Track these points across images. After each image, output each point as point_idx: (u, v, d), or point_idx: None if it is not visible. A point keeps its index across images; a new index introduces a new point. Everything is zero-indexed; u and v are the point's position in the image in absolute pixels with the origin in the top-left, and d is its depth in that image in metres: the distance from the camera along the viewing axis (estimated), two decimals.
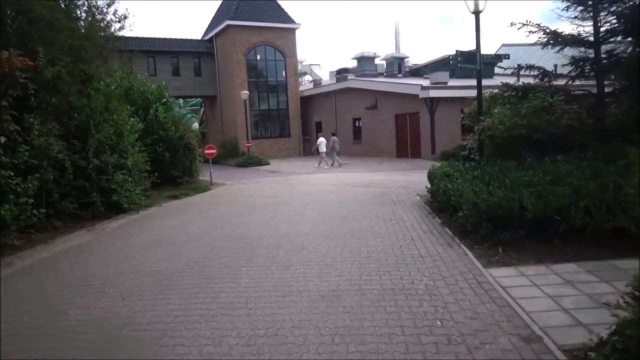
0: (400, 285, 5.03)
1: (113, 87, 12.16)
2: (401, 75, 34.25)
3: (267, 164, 27.37)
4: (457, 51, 9.31)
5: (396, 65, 35.24)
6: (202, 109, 42.87)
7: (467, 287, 4.91)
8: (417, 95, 23.86)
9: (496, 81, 16.36)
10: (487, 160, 9.64)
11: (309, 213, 9.70)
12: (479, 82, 9.90)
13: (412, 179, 15.44)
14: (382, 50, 54.22)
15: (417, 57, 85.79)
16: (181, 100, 53.74)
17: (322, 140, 24.39)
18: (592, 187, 6.35)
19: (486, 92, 11.29)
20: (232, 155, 30.54)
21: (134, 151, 12.19)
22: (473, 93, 23.40)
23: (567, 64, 9.68)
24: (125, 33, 13.14)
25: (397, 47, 38.73)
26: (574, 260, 5.58)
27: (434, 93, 23.55)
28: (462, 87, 24.82)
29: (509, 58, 10.66)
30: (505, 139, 9.43)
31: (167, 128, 15.09)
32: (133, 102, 15.24)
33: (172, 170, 15.25)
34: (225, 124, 34.72)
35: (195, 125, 44.55)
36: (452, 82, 25.77)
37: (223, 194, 13.80)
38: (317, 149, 24.09)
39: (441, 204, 8.86)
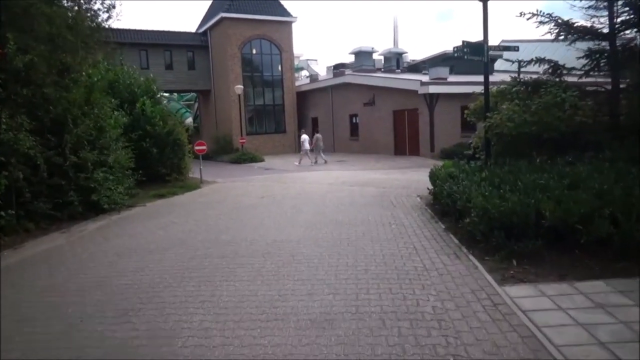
0: (403, 308, 4.33)
1: (95, 79, 11.37)
2: (399, 70, 33.56)
3: (262, 160, 26.63)
4: (463, 42, 8.61)
5: (394, 60, 34.54)
6: (197, 104, 42.04)
7: (481, 311, 4.22)
8: (416, 91, 23.16)
9: (496, 78, 15.83)
10: (495, 160, 8.95)
11: (302, 216, 9.00)
12: (486, 76, 9.21)
13: (411, 178, 14.76)
14: (380, 46, 53.59)
15: (415, 53, 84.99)
16: (175, 94, 53.29)
17: (305, 137, 23.79)
18: (617, 192, 5.67)
19: (492, 88, 10.61)
20: (226, 152, 29.79)
21: (116, 147, 11.44)
22: (474, 89, 22.88)
23: (582, 57, 8.97)
24: (114, 24, 12.43)
25: (396, 42, 37.98)
26: (601, 276, 4.90)
27: (433, 89, 22.84)
28: (463, 84, 24.15)
29: (517, 49, 9.95)
30: (513, 137, 8.74)
31: (155, 123, 14.33)
32: (119, 95, 14.49)
33: (159, 167, 14.51)
34: (220, 119, 33.93)
35: (190, 120, 43.97)
36: (452, 78, 25.10)
37: (212, 193, 13.07)
38: (300, 146, 23.69)
39: (444, 207, 8.19)
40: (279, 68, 33.15)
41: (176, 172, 15.03)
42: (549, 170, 7.24)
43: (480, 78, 9.64)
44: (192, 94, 42.53)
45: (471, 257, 5.84)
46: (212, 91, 34.36)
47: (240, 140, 27.79)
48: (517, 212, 5.66)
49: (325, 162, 22.49)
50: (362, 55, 34.42)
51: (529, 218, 5.65)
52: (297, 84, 35.40)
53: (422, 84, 23.01)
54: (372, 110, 27.38)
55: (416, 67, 33.91)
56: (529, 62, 9.63)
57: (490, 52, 9.25)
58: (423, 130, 23.82)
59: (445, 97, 23.31)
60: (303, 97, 34.52)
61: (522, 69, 10.80)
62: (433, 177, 9.55)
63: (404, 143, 25.33)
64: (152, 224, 8.96)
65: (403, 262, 5.74)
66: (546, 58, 9.55)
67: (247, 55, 32.22)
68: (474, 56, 8.89)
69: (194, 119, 41.92)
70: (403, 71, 33.48)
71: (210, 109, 35.63)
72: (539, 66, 9.82)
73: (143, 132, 14.18)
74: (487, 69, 9.21)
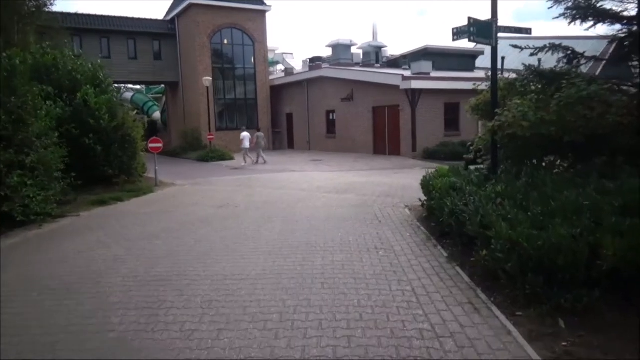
0: None
1: (18, 62, 9.29)
2: (379, 65, 31.92)
3: (231, 158, 24.62)
4: (470, 19, 6.94)
5: (374, 54, 32.92)
6: (164, 97, 39.62)
7: None
8: (398, 87, 21.55)
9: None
10: (505, 168, 7.31)
11: (265, 235, 7.18)
12: (494, 62, 7.56)
13: (395, 182, 13.10)
14: (358, 39, 51.34)
15: (395, 48, 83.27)
16: (144, 87, 50.58)
17: (245, 135, 22.23)
18: None
19: (480, 86, 9.02)
20: (194, 148, 27.67)
21: (43, 144, 9.39)
22: (460, 86, 21.48)
23: (611, 41, 7.40)
24: (69, 7, 10.37)
25: (375, 36, 36.32)
26: None
27: (416, 84, 21.25)
28: (448, 79, 22.71)
29: (530, 33, 8.35)
30: (526, 139, 7.10)
31: (99, 116, 12.24)
32: (57, 82, 12.37)
33: (105, 167, 12.44)
34: (188, 114, 31.70)
35: (157, 114, 41.47)
36: (435, 74, 23.59)
37: (163, 200, 11.10)
38: (240, 145, 22.27)
39: (443, 225, 6.51)
40: (252, 60, 31.11)
41: (126, 173, 12.97)
42: (581, 184, 5.61)
43: (466, 74, 8.07)
44: (162, 86, 40.10)
45: (495, 309, 4.14)
46: (180, 83, 32.10)
47: (209, 137, 25.69)
48: (564, 249, 3.98)
49: (265, 162, 21.06)
50: (340, 49, 32.68)
51: (579, 258, 3.97)
52: (271, 78, 33.42)
53: (404, 78, 21.42)
54: (350, 106, 25.68)
55: (396, 62, 32.27)
56: (542, 48, 8.00)
57: (500, 35, 7.61)
58: (404, 129, 22.25)
59: (429, 93, 21.79)
60: (277, 91, 32.58)
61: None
62: (427, 186, 7.86)
63: (384, 142, 23.72)
64: (73, 245, 6.99)
65: (402, 321, 3.98)
66: (562, 44, 7.95)
67: (217, 45, 30.09)
68: (481, 38, 7.21)
69: (162, 113, 39.51)
70: (382, 66, 31.83)
71: (178, 102, 33.34)
72: (552, 54, 8.23)
73: (85, 127, 12.12)
74: (495, 54, 7.56)
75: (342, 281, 4.97)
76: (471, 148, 8.98)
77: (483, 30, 7.10)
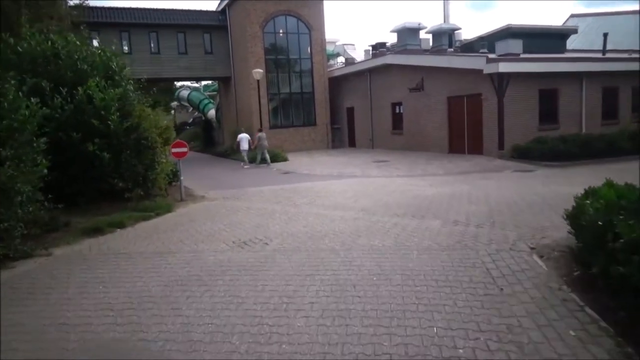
0: None
1: None
2: (452, 50, 27.79)
3: (285, 159, 21.84)
4: None
5: (446, 38, 28.71)
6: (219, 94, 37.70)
7: None
8: (481, 71, 17.64)
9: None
10: None
11: (297, 325, 4.01)
12: None
13: (491, 194, 9.55)
14: (427, 23, 45.61)
15: (468, 32, 76.12)
16: (202, 84, 49.24)
17: (243, 136, 21.11)
18: None
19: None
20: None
21: (13, 154, 6.82)
22: (558, 67, 17.30)
23: None
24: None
25: (446, 18, 32.18)
26: None
27: (504, 67, 17.21)
28: (545, 60, 18.55)
29: None
30: None
31: (106, 115, 9.69)
32: (56, 74, 9.97)
33: (115, 179, 9.88)
34: (240, 111, 29.32)
35: (212, 112, 39.69)
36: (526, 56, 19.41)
37: (174, 228, 8.14)
38: (237, 146, 21.14)
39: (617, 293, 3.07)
40: (308, 50, 28.13)
41: (141, 187, 10.35)
42: None
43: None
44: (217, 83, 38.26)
45: None
46: (232, 78, 29.77)
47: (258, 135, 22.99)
48: None
49: (268, 165, 19.86)
50: (406, 33, 28.73)
51: None
52: (329, 69, 30.28)
53: (489, 60, 17.46)
54: (420, 97, 22.00)
55: (471, 47, 27.86)
56: None
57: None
58: (488, 122, 18.31)
59: (520, 78, 17.72)
60: (337, 83, 29.40)
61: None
62: (578, 215, 4.38)
63: (462, 138, 19.87)
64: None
65: None
66: None
67: (270, 35, 27.39)
68: None
69: (216, 111, 37.63)
70: (456, 51, 27.69)
71: (230, 99, 31.08)
72: None
73: (89, 129, 9.62)
74: None
75: None
76: None
77: None
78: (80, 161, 9.66)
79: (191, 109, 46.25)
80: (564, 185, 10.61)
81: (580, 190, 5.19)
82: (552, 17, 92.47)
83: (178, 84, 46.29)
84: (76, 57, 10.42)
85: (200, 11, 29.81)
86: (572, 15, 39.03)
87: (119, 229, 8.10)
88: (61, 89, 9.66)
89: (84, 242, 7.39)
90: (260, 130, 21.62)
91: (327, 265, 5.42)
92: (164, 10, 28.35)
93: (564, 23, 37.12)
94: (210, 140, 38.58)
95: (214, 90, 42.63)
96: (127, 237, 7.61)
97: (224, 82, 32.24)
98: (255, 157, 20.80)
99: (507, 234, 6.34)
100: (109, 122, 9.74)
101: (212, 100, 41.10)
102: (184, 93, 45.10)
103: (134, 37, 27.47)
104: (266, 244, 6.56)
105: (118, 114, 9.96)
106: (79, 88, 9.70)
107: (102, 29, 26.17)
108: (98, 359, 3.50)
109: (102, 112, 9.72)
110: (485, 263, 5.16)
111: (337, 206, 9.23)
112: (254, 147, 20.66)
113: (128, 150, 10.07)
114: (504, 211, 7.88)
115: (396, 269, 5.14)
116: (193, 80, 38.92)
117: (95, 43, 15.08)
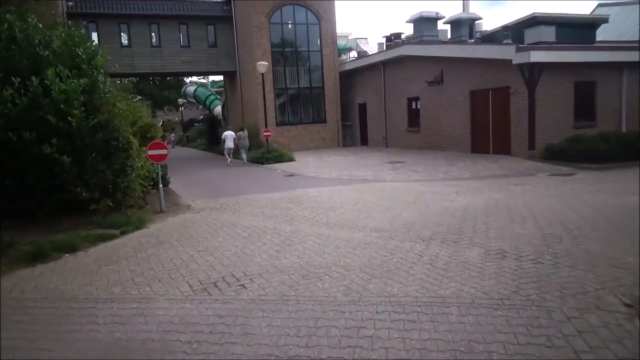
0: None
1: None
2: (472, 41, 25.71)
3: (291, 159, 20.10)
4: None
5: (466, 28, 26.60)
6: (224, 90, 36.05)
7: None
8: (509, 62, 15.65)
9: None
10: None
11: None
12: None
13: (533, 205, 7.66)
14: (446, 12, 42.69)
15: (488, 22, 72.93)
16: (211, 80, 47.66)
17: (228, 133, 21.22)
18: None
19: None
20: (251, 147, 23.47)
21: None
22: (596, 57, 15.18)
23: None
24: None
25: (466, 7, 30.05)
26: None
27: (536, 56, 15.21)
28: (582, 48, 16.51)
29: None
30: None
31: (68, 111, 8.01)
32: (8, 62, 8.31)
33: (78, 188, 8.19)
34: (246, 107, 27.63)
35: (218, 109, 38.05)
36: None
37: (132, 256, 6.28)
38: (223, 144, 21.27)
39: None
40: (318, 42, 26.28)
41: (111, 196, 8.64)
42: None
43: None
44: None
45: None
46: (238, 73, 28.06)
47: (265, 133, 21.32)
48: None
49: (245, 163, 19.93)
50: (423, 23, 26.63)
51: None
52: (340, 63, 28.41)
53: (519, 49, 15.48)
54: (439, 91, 20.06)
55: (493, 37, 25.75)
56: None
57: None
58: (517, 118, 16.34)
59: (553, 69, 15.71)
60: (348, 78, 27.54)
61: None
62: None
63: (487, 137, 17.91)
64: None
65: None
66: None
67: (277, 26, 25.59)
68: None
69: (222, 107, 35.99)
70: (477, 42, 25.60)
71: (236, 94, 29.38)
72: None
73: (45, 127, 7.95)
74: None
75: None
76: None
77: None
78: (36, 167, 8.00)
79: (201, 105, 44.74)
80: (620, 194, 8.70)
81: None
82: (574, 7, 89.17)
83: (187, 79, 44.84)
84: (37, 42, 8.74)
85: (204, 1, 28.18)
86: (600, 5, 36.62)
87: (67, 255, 6.40)
88: (13, 79, 8.01)
89: (15, 274, 5.70)
90: (242, 130, 21.19)
91: (322, 338, 3.59)
92: (165, 0, 26.70)
93: (591, 12, 34.75)
94: (216, 137, 36.90)
95: (221, 87, 41.08)
96: (71, 267, 5.89)
97: (230, 76, 30.59)
98: (262, 156, 19.60)
99: (581, 276, 4.49)
100: (70, 119, 8.05)
101: (218, 97, 39.53)
102: (190, 89, 43.63)
103: (133, 29, 25.92)
104: (243, 286, 4.77)
105: (83, 109, 8.26)
106: (33, 78, 8.00)
107: (100, 20, 24.75)
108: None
109: (62, 107, 8.04)
110: (568, 337, 3.32)
111: (344, 223, 7.41)
112: (235, 145, 20.48)
113: (94, 153, 8.37)
114: (562, 235, 6.01)
115: (428, 347, 3.33)
116: (196, 74, 37.34)
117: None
